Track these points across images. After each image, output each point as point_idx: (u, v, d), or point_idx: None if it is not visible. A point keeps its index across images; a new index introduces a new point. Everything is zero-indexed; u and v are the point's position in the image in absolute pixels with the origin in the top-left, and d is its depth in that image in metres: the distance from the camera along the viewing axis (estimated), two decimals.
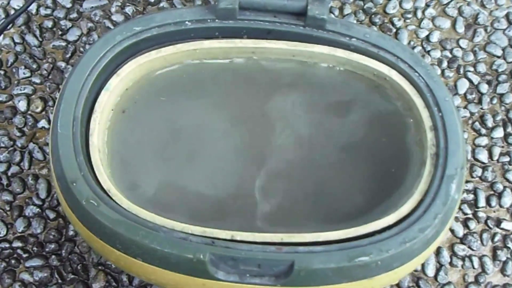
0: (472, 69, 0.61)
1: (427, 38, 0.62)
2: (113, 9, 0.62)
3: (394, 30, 0.62)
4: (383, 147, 0.45)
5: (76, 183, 0.40)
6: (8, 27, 0.61)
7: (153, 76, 0.46)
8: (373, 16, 0.63)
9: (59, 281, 0.52)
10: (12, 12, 0.61)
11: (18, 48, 0.60)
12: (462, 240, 0.55)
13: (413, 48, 0.62)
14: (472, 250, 0.55)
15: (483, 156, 0.58)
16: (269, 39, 0.45)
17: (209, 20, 0.45)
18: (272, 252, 0.38)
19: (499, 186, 0.57)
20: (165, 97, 0.46)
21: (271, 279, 0.39)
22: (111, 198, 0.40)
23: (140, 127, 0.45)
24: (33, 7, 0.62)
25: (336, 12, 0.63)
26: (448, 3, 0.64)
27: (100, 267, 0.52)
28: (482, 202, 0.56)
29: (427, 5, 0.64)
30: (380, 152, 0.45)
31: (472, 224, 0.55)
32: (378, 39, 0.45)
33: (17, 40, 0.60)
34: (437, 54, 0.62)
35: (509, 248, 0.55)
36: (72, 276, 0.52)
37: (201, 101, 0.46)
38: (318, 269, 0.38)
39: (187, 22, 0.44)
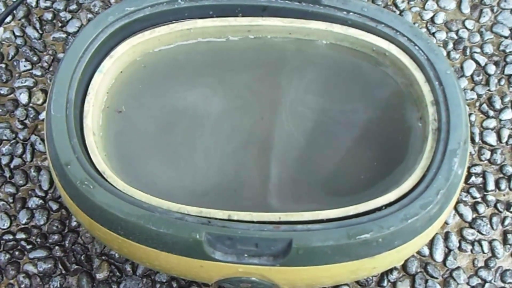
0: (478, 50, 0.60)
1: (432, 20, 0.61)
2: (112, 0, 0.62)
3: (398, 12, 0.61)
4: (384, 124, 0.44)
5: (70, 165, 0.39)
6: (8, 20, 0.61)
7: (147, 57, 0.46)
8: None
9: (63, 271, 0.52)
10: None
11: (19, 41, 0.60)
12: (471, 224, 0.54)
13: None
14: (482, 234, 0.53)
15: (491, 138, 0.57)
16: (265, 16, 0.45)
17: None
18: (270, 230, 0.38)
19: (509, 169, 0.55)
20: (161, 78, 0.45)
21: (270, 259, 0.38)
22: (106, 180, 0.40)
23: (137, 110, 0.45)
24: (32, 0, 0.62)
25: None
26: None
27: (103, 257, 0.52)
28: (491, 186, 0.55)
29: None
30: (381, 129, 0.44)
31: (481, 208, 0.54)
32: (376, 12, 0.44)
33: (18, 33, 0.60)
34: (442, 35, 0.60)
35: None
36: (76, 267, 0.52)
37: (197, 82, 0.45)
38: (316, 247, 0.37)
39: (180, 1, 0.44)
